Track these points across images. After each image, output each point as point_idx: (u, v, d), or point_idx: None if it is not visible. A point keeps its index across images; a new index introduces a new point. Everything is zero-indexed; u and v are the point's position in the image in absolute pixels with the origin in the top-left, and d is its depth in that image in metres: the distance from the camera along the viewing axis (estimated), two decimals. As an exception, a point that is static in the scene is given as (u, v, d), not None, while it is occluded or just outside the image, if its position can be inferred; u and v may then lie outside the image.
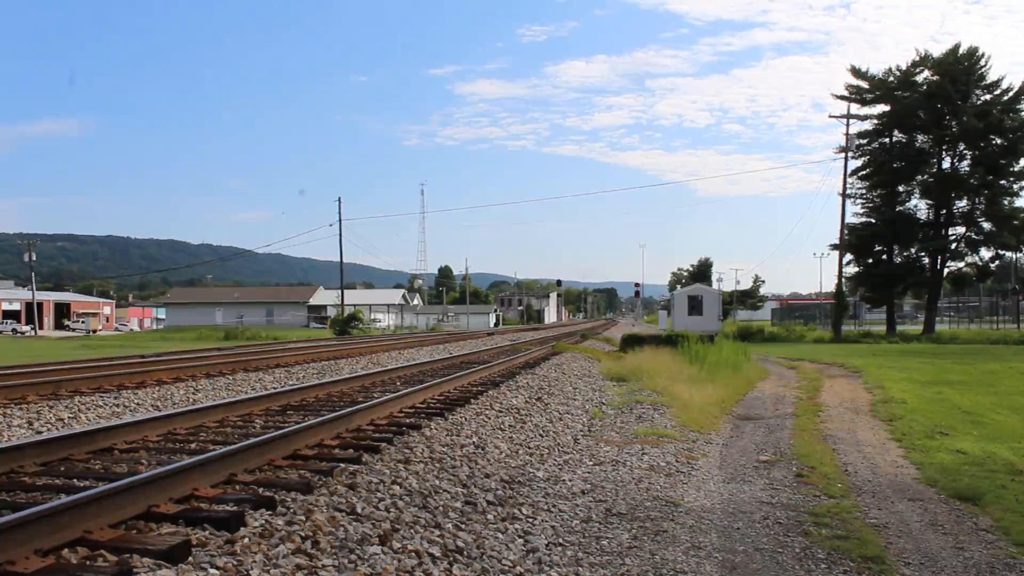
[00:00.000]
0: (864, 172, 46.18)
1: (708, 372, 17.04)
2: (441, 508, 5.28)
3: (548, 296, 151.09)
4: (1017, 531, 5.76)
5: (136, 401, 10.13)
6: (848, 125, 44.41)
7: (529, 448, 8.13)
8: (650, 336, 28.95)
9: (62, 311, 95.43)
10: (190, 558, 3.63)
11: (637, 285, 74.50)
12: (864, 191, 46.56)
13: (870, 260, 46.23)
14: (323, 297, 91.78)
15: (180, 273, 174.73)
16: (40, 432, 7.74)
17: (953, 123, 43.07)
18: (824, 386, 16.77)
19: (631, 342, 25.79)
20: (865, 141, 46.31)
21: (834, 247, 44.93)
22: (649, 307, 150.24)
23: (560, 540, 5.35)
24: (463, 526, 5.03)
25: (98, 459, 5.85)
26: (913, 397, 13.83)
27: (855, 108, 45.18)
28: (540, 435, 8.94)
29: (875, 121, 45.88)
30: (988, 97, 42.92)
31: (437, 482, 5.83)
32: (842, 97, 45.22)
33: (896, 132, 45.78)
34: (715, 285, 77.72)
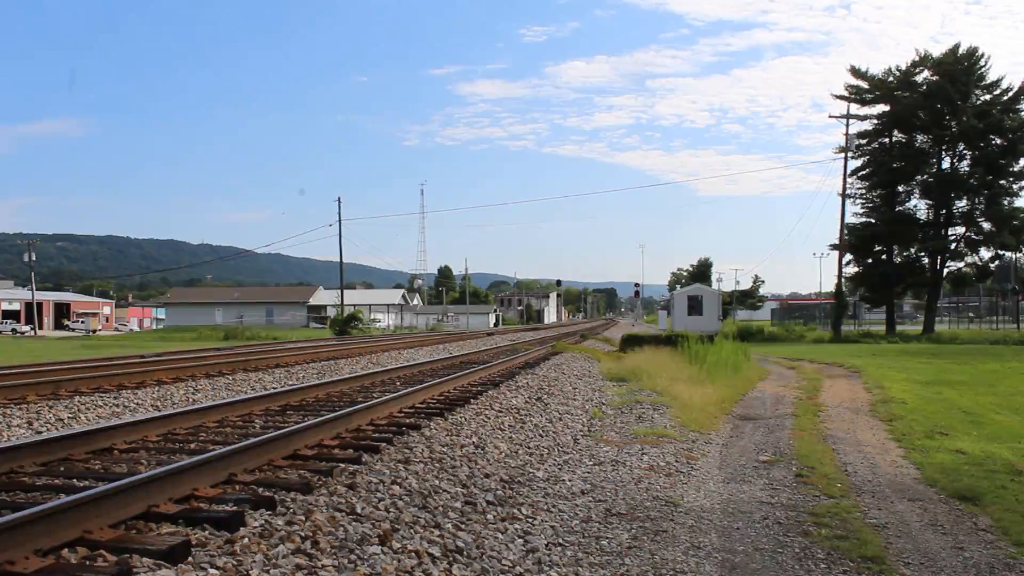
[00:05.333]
0: (864, 172, 46.15)
1: (708, 372, 17.04)
2: (441, 508, 5.28)
3: (548, 296, 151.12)
4: (1017, 531, 5.76)
5: (136, 401, 10.13)
6: (848, 125, 44.47)
7: (529, 448, 8.13)
8: (650, 336, 28.95)
9: (62, 311, 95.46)
10: (190, 558, 3.63)
11: (637, 285, 74.54)
12: (864, 191, 46.55)
13: (870, 260, 46.20)
14: (323, 297, 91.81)
15: (180, 273, 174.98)
16: (40, 432, 7.74)
17: (953, 123, 43.05)
18: (824, 386, 16.77)
19: (631, 342, 25.79)
20: (865, 141, 46.30)
21: (834, 247, 44.95)
22: (649, 307, 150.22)
23: (560, 540, 5.35)
24: (463, 526, 5.03)
25: (98, 459, 5.85)
26: (913, 397, 13.82)
27: (855, 108, 45.23)
28: (540, 435, 8.94)
29: (875, 121, 45.88)
30: (988, 97, 42.92)
31: (437, 482, 5.82)
32: (842, 97, 45.23)
33: (896, 132, 45.75)
34: (715, 285, 77.77)
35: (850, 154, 45.04)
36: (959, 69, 42.08)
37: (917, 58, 44.05)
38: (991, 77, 42.81)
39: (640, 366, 17.24)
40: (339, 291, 59.93)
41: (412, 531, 4.66)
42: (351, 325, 52.13)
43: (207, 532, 4.00)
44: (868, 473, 7.90)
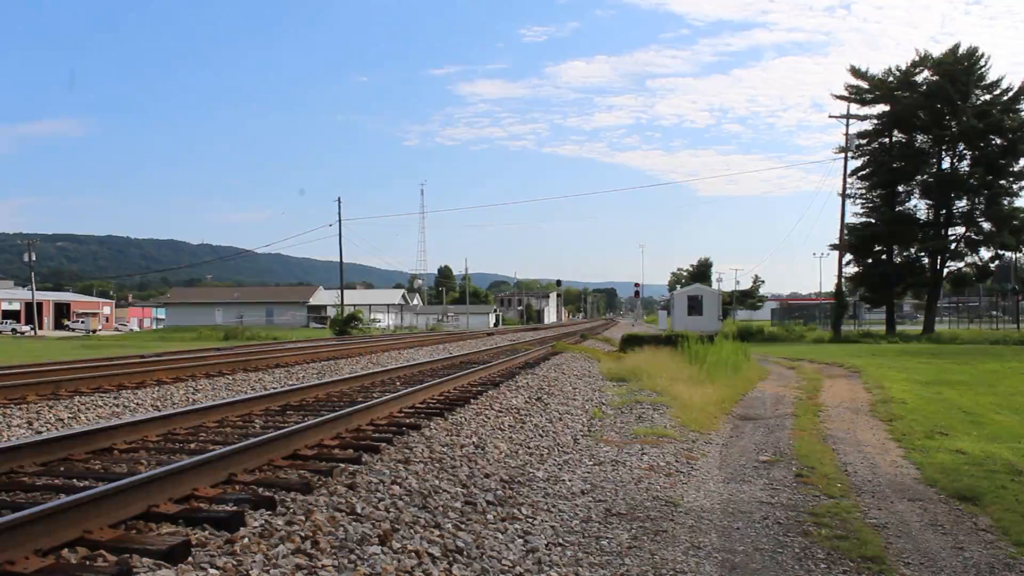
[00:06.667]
0: (864, 172, 46.15)
1: (708, 372, 17.03)
2: (441, 508, 5.28)
3: (548, 296, 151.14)
4: (1017, 531, 5.76)
5: (136, 401, 10.13)
6: (848, 125, 44.45)
7: (529, 448, 8.13)
8: (650, 336, 28.95)
9: (62, 311, 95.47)
10: (190, 558, 3.63)
11: (637, 285, 74.53)
12: (864, 191, 46.55)
13: (870, 260, 46.19)
14: (323, 297, 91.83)
15: (180, 273, 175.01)
16: (40, 432, 7.74)
17: (953, 123, 43.05)
18: (824, 386, 16.76)
19: (631, 342, 25.79)
20: (865, 141, 46.29)
21: (834, 247, 44.94)
22: (649, 307, 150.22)
23: (560, 540, 5.35)
24: (463, 526, 5.03)
25: (98, 459, 5.85)
26: (913, 397, 13.82)
27: (855, 108, 45.21)
28: (540, 435, 8.94)
29: (875, 121, 45.87)
30: (988, 97, 42.91)
31: (437, 482, 5.82)
32: (842, 97, 45.22)
33: (896, 132, 45.75)
34: (715, 285, 77.78)
35: (850, 154, 45.04)
36: (959, 69, 42.07)
37: (917, 58, 44.07)
38: (991, 77, 42.87)
39: (640, 366, 17.24)
40: (339, 291, 59.93)
41: (412, 531, 4.66)
42: (351, 325, 52.13)
43: (207, 532, 4.00)
44: (868, 473, 7.90)
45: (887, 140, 46.08)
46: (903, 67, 44.38)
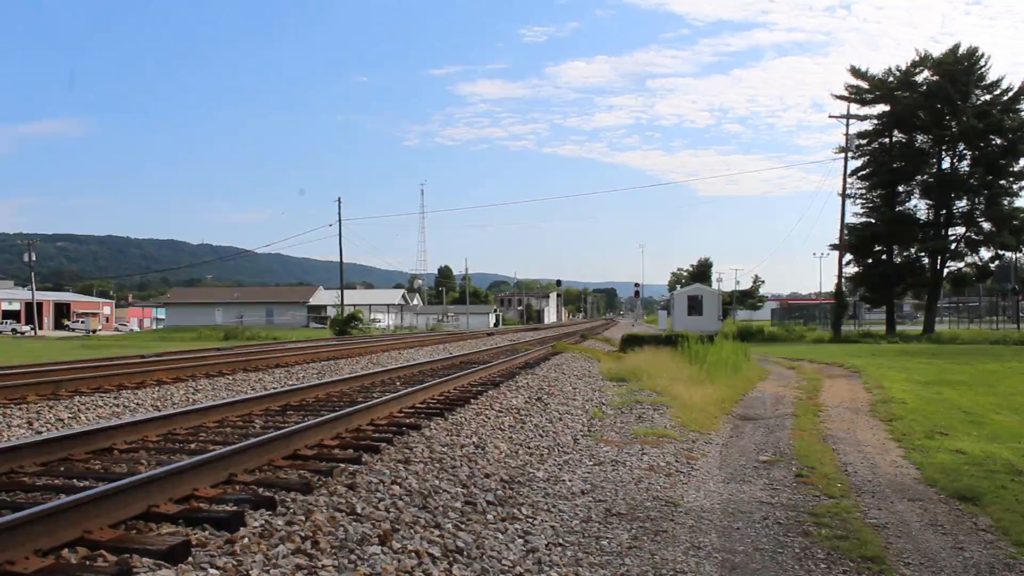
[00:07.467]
0: (864, 172, 46.16)
1: (708, 372, 17.03)
2: (441, 508, 5.28)
3: (548, 296, 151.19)
4: (1017, 531, 5.76)
5: (136, 401, 10.13)
6: (848, 125, 44.47)
7: (529, 448, 8.13)
8: (650, 336, 28.95)
9: (62, 311, 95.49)
10: (190, 558, 3.63)
11: (637, 285, 74.54)
12: (864, 191, 46.56)
13: (870, 260, 46.20)
14: (323, 297, 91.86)
15: (180, 273, 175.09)
16: (40, 432, 7.74)
17: (953, 123, 43.05)
18: (824, 386, 16.76)
19: (631, 342, 25.79)
20: (865, 141, 46.30)
21: (834, 247, 44.95)
22: (649, 307, 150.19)
23: (560, 540, 5.35)
24: (463, 526, 5.03)
25: (98, 459, 5.85)
26: (913, 397, 13.82)
27: (855, 108, 45.22)
28: (540, 435, 8.94)
29: (875, 121, 45.88)
30: (988, 97, 42.91)
31: (437, 482, 5.82)
32: (842, 97, 45.23)
33: (896, 132, 45.75)
34: (715, 285, 77.82)
35: (850, 154, 45.05)
36: (959, 69, 42.07)
37: (917, 58, 44.07)
38: (991, 77, 42.88)
39: (640, 366, 17.24)
40: (339, 291, 59.97)
41: (412, 531, 4.66)
42: (351, 325, 52.14)
43: (207, 532, 4.00)
44: (868, 473, 7.90)
45: (887, 140, 46.08)
46: (903, 67, 44.42)
